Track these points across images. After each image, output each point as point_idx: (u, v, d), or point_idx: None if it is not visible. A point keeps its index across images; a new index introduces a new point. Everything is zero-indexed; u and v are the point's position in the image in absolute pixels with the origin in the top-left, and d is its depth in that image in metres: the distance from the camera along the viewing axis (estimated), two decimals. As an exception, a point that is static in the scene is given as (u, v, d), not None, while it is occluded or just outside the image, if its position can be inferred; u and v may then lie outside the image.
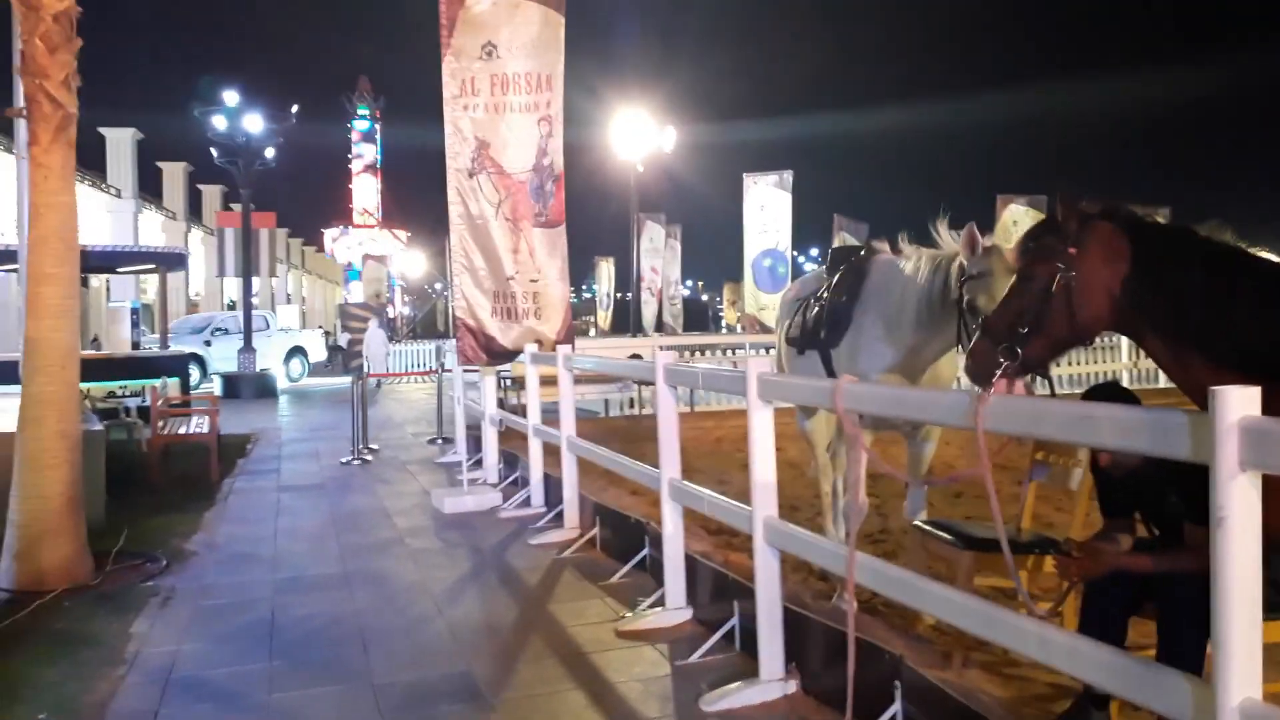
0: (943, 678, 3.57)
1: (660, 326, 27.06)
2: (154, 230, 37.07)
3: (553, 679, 4.36)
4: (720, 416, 13.65)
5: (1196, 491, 3.01)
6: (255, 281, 24.61)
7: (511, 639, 4.94)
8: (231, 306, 34.88)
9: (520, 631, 5.06)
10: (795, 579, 5.16)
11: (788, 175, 23.31)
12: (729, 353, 17.62)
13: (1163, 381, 15.30)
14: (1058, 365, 3.43)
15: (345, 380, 14.65)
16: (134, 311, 20.24)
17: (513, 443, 9.74)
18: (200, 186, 43.28)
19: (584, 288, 64.05)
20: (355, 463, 10.87)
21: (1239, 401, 2.01)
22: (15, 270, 15.95)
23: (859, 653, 3.38)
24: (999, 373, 3.05)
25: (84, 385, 7.25)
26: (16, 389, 7.43)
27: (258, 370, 21.90)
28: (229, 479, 9.95)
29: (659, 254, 27.69)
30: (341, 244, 34.42)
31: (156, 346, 18.60)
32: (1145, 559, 3.16)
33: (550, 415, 8.42)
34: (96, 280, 26.74)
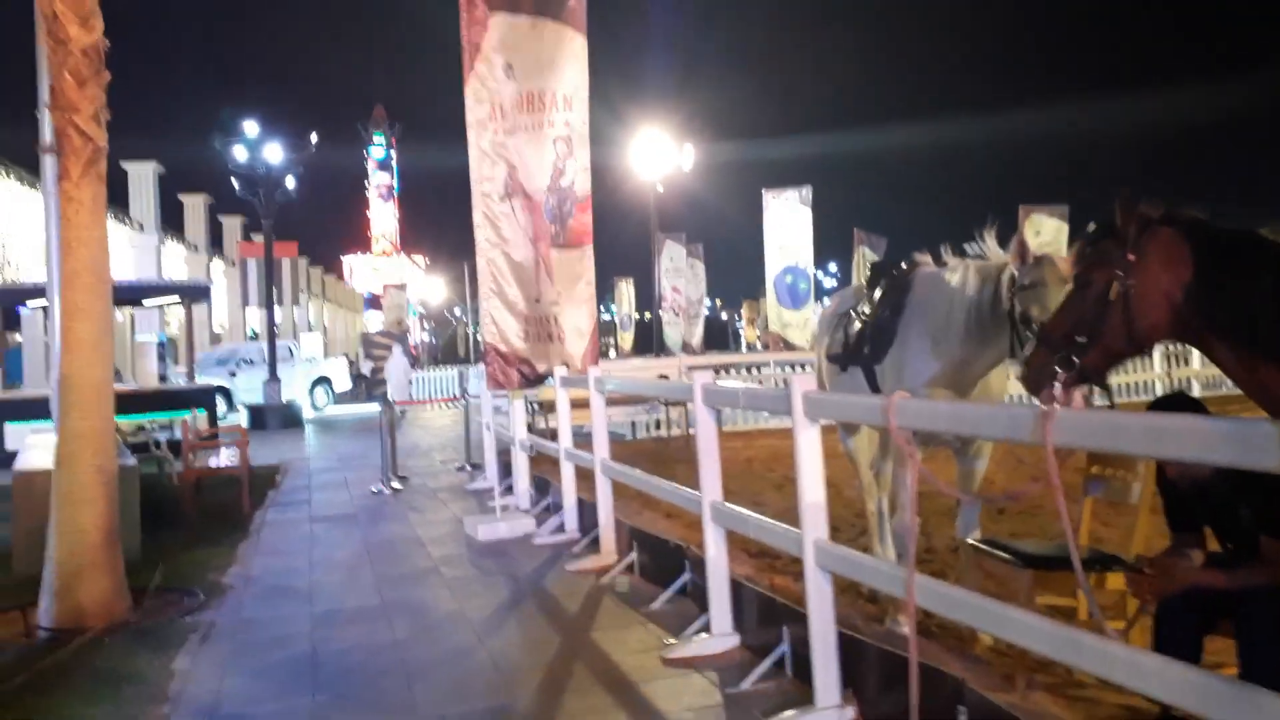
0: (1009, 701, 3.47)
1: (685, 347, 26.98)
2: (177, 263, 37.34)
3: (601, 709, 4.27)
4: (748, 437, 13.55)
5: (1272, 504, 2.92)
6: (278, 311, 24.73)
7: (555, 669, 4.86)
8: (254, 337, 35.06)
9: (564, 661, 4.97)
10: (843, 601, 5.06)
11: (807, 191, 23.21)
12: (753, 371, 17.51)
13: (1196, 390, 15.08)
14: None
15: (370, 409, 14.64)
16: (160, 345, 20.36)
17: (542, 467, 9.67)
18: (221, 218, 43.59)
19: (602, 309, 64.19)
20: (386, 492, 10.83)
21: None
22: (44, 307, 16.12)
23: (919, 677, 3.28)
24: (1057, 384, 2.96)
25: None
26: (47, 424, 7.47)
27: (283, 400, 21.94)
28: (260, 511, 9.92)
29: (681, 273, 27.62)
30: (360, 271, 34.66)
31: (183, 380, 18.68)
32: (1220, 575, 3.05)
33: (579, 439, 8.36)
34: (120, 314, 26.96)
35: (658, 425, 14.49)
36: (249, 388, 23.65)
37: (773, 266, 23.30)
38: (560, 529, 7.92)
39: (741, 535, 5.01)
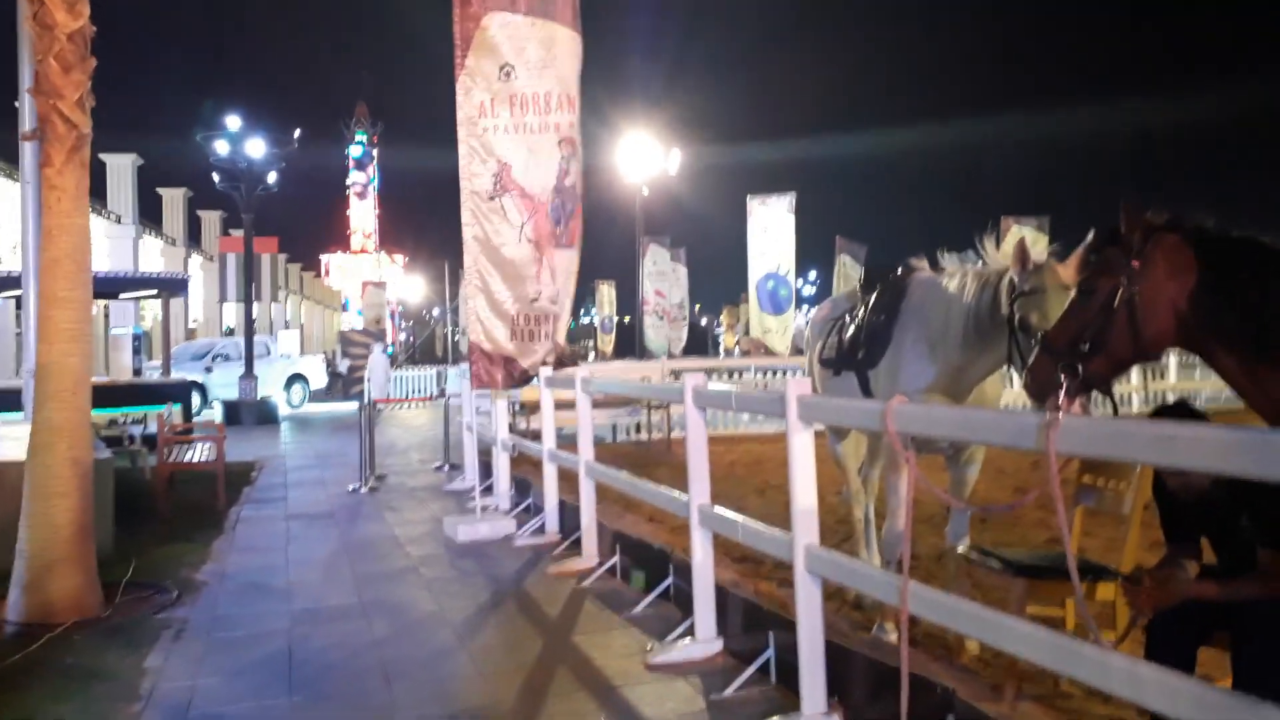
0: (998, 711, 3.45)
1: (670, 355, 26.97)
2: (154, 256, 36.91)
3: (584, 714, 4.21)
4: (731, 441, 13.52)
5: (1272, 514, 2.90)
6: (256, 307, 24.48)
7: (537, 671, 4.79)
8: (230, 333, 34.71)
9: (546, 664, 4.90)
10: (829, 608, 5.02)
11: (791, 197, 23.29)
12: (734, 376, 17.50)
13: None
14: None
15: (346, 406, 14.51)
16: (135, 338, 20.06)
17: (523, 468, 9.60)
18: (200, 212, 43.19)
19: (581, 311, 64.08)
20: (363, 490, 10.71)
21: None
22: (13, 296, 15.78)
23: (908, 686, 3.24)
24: (1061, 391, 2.94)
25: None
26: (16, 416, 7.32)
27: (259, 397, 21.73)
28: (236, 507, 9.78)
29: (665, 277, 27.64)
30: (338, 269, 34.42)
31: (157, 373, 18.43)
32: (1217, 587, 3.03)
33: (560, 441, 8.28)
34: (95, 307, 26.61)
35: (638, 429, 14.44)
36: (224, 383, 23.38)
37: (755, 272, 23.34)
38: (541, 530, 7.85)
39: (725, 540, 4.96)
